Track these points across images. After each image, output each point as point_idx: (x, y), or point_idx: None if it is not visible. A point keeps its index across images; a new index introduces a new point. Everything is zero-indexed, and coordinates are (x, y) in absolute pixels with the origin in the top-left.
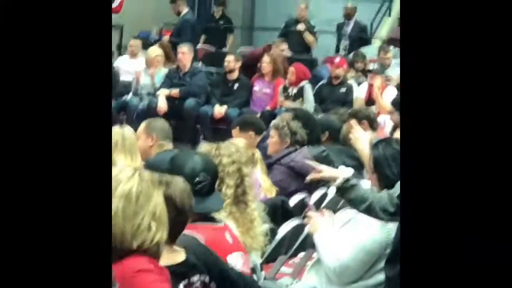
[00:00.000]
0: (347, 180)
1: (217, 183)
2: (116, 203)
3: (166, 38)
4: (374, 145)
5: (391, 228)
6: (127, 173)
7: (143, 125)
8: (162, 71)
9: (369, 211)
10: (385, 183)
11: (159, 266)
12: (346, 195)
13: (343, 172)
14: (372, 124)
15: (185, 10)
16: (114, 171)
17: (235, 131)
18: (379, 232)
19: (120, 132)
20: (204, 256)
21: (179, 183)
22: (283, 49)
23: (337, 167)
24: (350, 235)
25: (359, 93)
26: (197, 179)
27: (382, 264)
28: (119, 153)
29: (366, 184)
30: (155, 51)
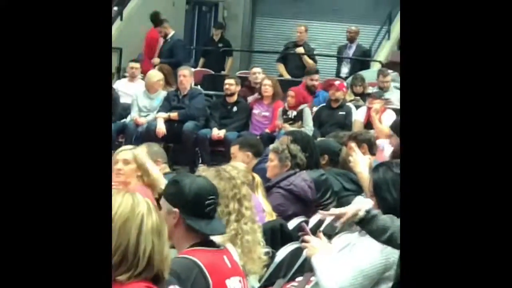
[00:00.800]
0: (367, 211)
1: (235, 206)
2: (150, 239)
3: (156, 60)
4: (374, 168)
5: (390, 252)
6: (143, 205)
7: (144, 150)
8: (161, 94)
9: (391, 241)
10: (384, 207)
11: None
12: (368, 227)
13: (363, 205)
14: (372, 148)
15: (171, 32)
16: (125, 201)
17: (234, 148)
18: (378, 256)
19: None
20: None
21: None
22: (255, 73)
23: (336, 191)
24: (348, 259)
25: (358, 116)
26: (208, 201)
27: None
28: None
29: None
30: (156, 75)
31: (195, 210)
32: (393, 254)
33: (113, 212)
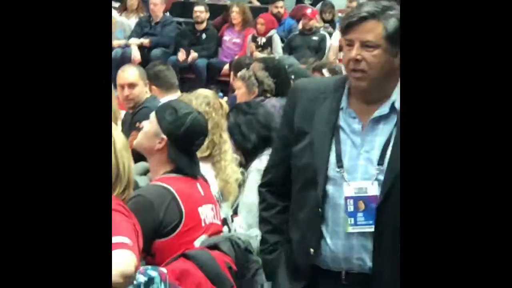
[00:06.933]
0: None
1: (226, 136)
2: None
3: None
4: None
5: None
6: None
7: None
8: (132, 20)
9: None
10: None
11: (127, 209)
12: None
13: None
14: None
15: None
16: None
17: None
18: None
19: None
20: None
21: None
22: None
23: None
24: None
25: (333, 41)
26: (198, 141)
27: None
28: None
29: None
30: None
31: (184, 145)
32: None
33: None
